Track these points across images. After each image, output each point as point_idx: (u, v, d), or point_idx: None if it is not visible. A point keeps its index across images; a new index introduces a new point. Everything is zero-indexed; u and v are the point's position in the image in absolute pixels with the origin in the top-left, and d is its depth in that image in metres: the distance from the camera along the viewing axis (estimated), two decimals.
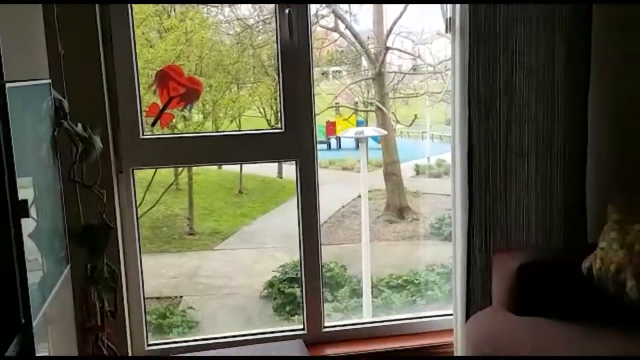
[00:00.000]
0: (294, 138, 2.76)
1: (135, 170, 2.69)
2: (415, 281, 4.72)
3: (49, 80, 2.08)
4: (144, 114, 2.60)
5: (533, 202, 2.74)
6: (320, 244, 2.89)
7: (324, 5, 4.69)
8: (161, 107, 2.62)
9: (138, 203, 4.65)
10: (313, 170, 2.81)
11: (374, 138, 5.63)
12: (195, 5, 4.14)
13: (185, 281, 5.11)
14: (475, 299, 2.75)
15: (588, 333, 2.24)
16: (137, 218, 2.70)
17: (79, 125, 2.17)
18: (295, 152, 2.78)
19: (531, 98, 2.69)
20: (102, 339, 2.33)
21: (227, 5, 4.27)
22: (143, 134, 2.61)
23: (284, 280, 4.60)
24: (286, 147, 2.77)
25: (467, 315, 2.70)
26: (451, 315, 2.85)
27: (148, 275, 4.88)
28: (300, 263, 2.89)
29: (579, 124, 2.73)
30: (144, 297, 2.76)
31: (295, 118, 2.74)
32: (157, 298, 4.73)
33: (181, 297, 4.88)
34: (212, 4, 4.22)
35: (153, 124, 2.67)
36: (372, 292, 4.44)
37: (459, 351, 2.80)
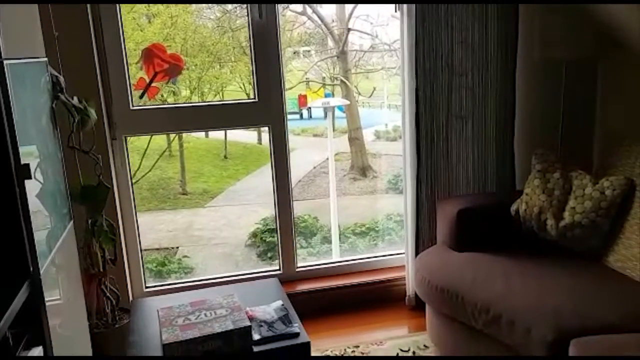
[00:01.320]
0: (266, 106, 2.72)
1: (127, 138, 2.64)
2: (376, 228, 4.76)
3: (46, 58, 2.01)
4: (132, 87, 2.53)
5: (470, 157, 2.76)
6: (292, 199, 2.89)
7: None
8: (148, 81, 2.56)
9: (136, 169, 4.64)
10: (284, 134, 2.78)
11: (339, 107, 5.61)
12: None
13: (180, 234, 5.09)
14: (423, 239, 2.79)
15: (516, 264, 2.27)
16: (131, 179, 2.65)
17: (75, 98, 2.11)
18: (268, 118, 2.74)
19: (468, 69, 2.68)
20: (105, 283, 2.32)
21: None
22: (133, 106, 2.55)
23: (265, 231, 4.60)
24: (260, 114, 2.73)
25: (417, 253, 2.74)
26: (403, 254, 2.89)
27: (147, 229, 4.88)
28: (276, 215, 2.89)
29: (509, 90, 2.74)
30: (140, 247, 2.74)
31: (267, 89, 2.70)
32: (157, 249, 4.72)
33: (177, 247, 4.86)
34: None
35: (141, 97, 2.60)
36: (339, 238, 4.48)
37: (409, 283, 2.85)
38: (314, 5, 4.99)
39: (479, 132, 2.74)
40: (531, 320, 1.90)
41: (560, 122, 2.85)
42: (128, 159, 2.62)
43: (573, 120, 2.87)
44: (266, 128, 2.78)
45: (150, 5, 4.14)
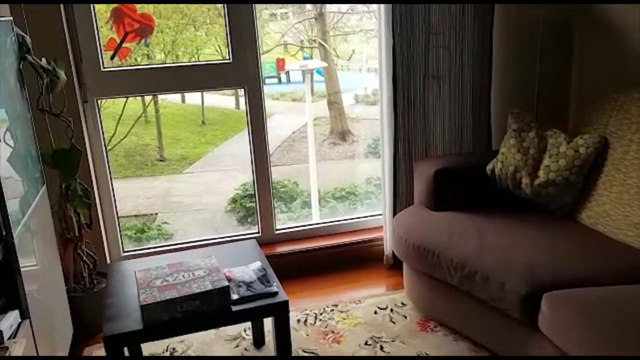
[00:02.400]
0: (241, 67, 2.67)
1: (99, 100, 2.58)
2: (356, 192, 4.78)
3: (11, 18, 1.95)
4: (103, 48, 2.47)
5: (447, 117, 2.77)
6: (269, 156, 2.87)
7: None
8: (118, 42, 2.49)
9: (111, 135, 4.57)
10: (260, 97, 2.75)
11: (318, 71, 5.55)
12: None
13: (159, 201, 5.06)
14: (401, 200, 2.81)
15: (491, 221, 2.31)
16: (105, 142, 2.61)
17: (43, 59, 2.05)
18: (243, 80, 2.70)
19: (445, 28, 2.66)
20: (81, 247, 2.30)
21: None
22: (104, 67, 2.49)
23: (245, 197, 4.60)
24: (234, 75, 2.69)
25: (394, 214, 2.77)
26: (381, 215, 2.92)
27: (125, 196, 4.84)
28: (253, 176, 2.88)
29: (486, 50, 2.74)
30: (116, 211, 2.71)
31: (241, 50, 2.65)
32: (135, 216, 4.69)
33: (156, 214, 4.84)
34: None
35: (112, 57, 2.55)
36: (320, 203, 4.49)
37: (387, 243, 2.89)
38: None
39: (455, 93, 2.74)
40: (505, 276, 1.94)
41: (536, 82, 2.87)
42: (101, 122, 2.58)
43: (549, 81, 2.89)
44: (243, 92, 2.74)
45: None
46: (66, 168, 2.11)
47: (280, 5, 5.59)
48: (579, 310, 1.71)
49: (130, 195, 4.96)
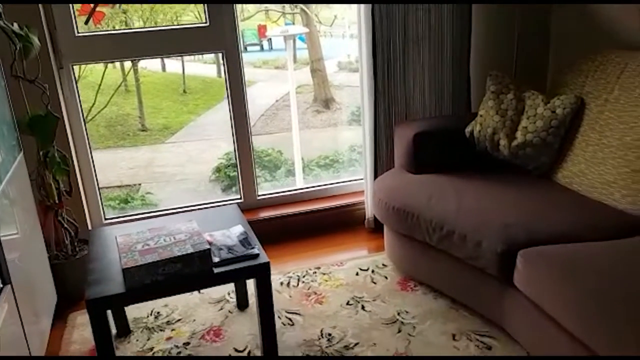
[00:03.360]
0: (218, 31, 2.65)
1: (75, 66, 2.54)
2: (340, 160, 4.79)
3: None
4: (77, 13, 2.42)
5: (427, 81, 2.78)
6: (249, 120, 2.86)
7: None
8: (92, 6, 2.45)
9: (91, 104, 4.52)
10: (239, 62, 2.73)
11: (300, 37, 5.49)
12: None
13: (142, 171, 5.04)
14: (382, 164, 2.84)
15: (469, 183, 2.35)
16: (82, 109, 2.58)
17: (15, 24, 2.02)
18: (221, 44, 2.68)
19: None
20: (62, 214, 2.30)
21: None
22: (78, 32, 2.45)
23: (228, 166, 4.59)
24: (212, 39, 2.66)
25: (375, 178, 2.79)
26: (363, 179, 2.95)
27: (108, 167, 4.82)
28: (235, 145, 2.88)
29: (465, 12, 2.73)
30: (96, 177, 2.70)
31: (218, 13, 2.62)
32: (118, 186, 4.68)
33: (140, 184, 4.82)
34: None
35: (86, 22, 2.51)
36: (304, 171, 4.50)
37: (369, 207, 2.93)
38: None
39: (435, 56, 2.74)
40: (482, 234, 1.99)
41: (515, 44, 2.88)
42: (77, 88, 2.55)
43: (528, 42, 2.90)
44: (221, 58, 2.72)
45: None
46: (43, 135, 2.10)
47: None
48: (553, 266, 1.76)
49: (112, 165, 4.94)
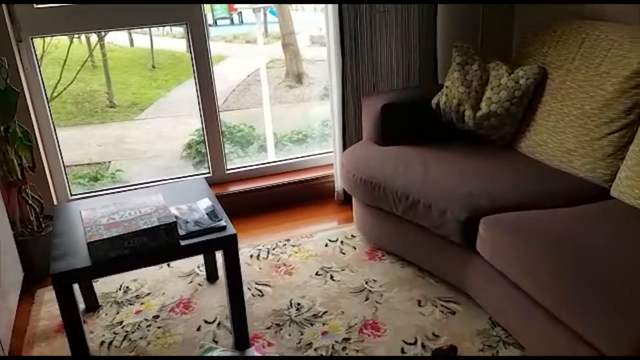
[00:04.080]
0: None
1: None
2: (313, 135, 4.80)
3: None
4: None
5: (394, 52, 2.79)
6: (217, 98, 2.85)
7: None
8: None
9: (56, 81, 4.42)
10: (204, 34, 2.70)
11: (272, 11, 5.44)
12: None
13: (111, 148, 4.98)
14: (350, 136, 2.86)
15: (435, 154, 2.39)
16: (44, 84, 2.53)
17: None
18: (184, 15, 2.64)
19: None
20: (26, 191, 2.28)
21: None
22: (37, 4, 2.39)
23: (200, 142, 4.55)
24: (175, 10, 2.62)
25: (344, 151, 2.81)
26: (332, 152, 2.97)
27: (76, 144, 4.74)
28: (201, 120, 2.87)
29: None
30: (61, 154, 2.67)
31: None
32: (88, 164, 4.62)
33: (109, 162, 4.77)
34: None
35: None
36: (276, 146, 4.50)
37: (338, 179, 2.95)
38: None
39: (402, 28, 2.75)
40: (446, 203, 2.03)
41: (480, 15, 2.90)
42: (38, 63, 2.49)
43: (493, 14, 2.92)
44: (186, 30, 2.69)
45: None
46: (3, 109, 2.06)
47: None
48: (513, 232, 1.82)
49: (81, 143, 4.87)
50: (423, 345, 1.91)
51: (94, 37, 4.93)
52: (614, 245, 1.67)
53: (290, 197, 2.99)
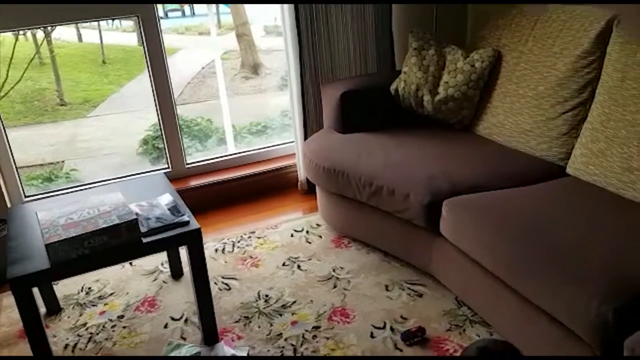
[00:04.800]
0: None
1: None
2: (272, 126, 4.77)
3: None
4: None
5: (351, 40, 2.80)
6: (172, 91, 2.80)
7: None
8: None
9: (2, 80, 4.25)
10: (157, 27, 2.64)
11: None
12: None
13: (65, 147, 4.83)
14: (311, 126, 2.86)
15: (396, 139, 2.41)
16: None
17: None
18: (136, 8, 2.57)
19: None
20: None
21: None
22: None
23: (156, 137, 4.47)
24: (125, 4, 2.55)
25: (305, 140, 2.81)
26: (293, 142, 2.96)
27: (27, 145, 4.58)
28: (158, 115, 2.81)
29: None
30: (12, 154, 2.57)
31: None
32: (40, 165, 4.48)
33: (63, 161, 4.63)
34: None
35: None
36: (235, 139, 4.46)
37: (301, 169, 2.95)
38: None
39: (358, 15, 2.76)
40: (409, 187, 2.06)
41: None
42: None
43: None
44: (138, 23, 2.62)
45: None
46: None
47: None
48: (474, 213, 1.86)
49: (32, 143, 4.71)
50: (392, 329, 1.94)
51: (40, 34, 4.76)
52: (569, 220, 1.73)
53: (253, 189, 2.97)
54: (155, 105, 2.79)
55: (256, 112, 5.24)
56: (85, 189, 2.50)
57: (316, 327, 1.97)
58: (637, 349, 1.28)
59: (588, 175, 2.00)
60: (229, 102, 4.64)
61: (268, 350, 1.88)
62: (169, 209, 1.91)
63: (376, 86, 2.64)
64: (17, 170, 2.60)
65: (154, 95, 2.77)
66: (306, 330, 1.96)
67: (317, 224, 2.66)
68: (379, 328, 1.95)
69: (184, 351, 1.90)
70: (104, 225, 1.70)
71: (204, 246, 2.42)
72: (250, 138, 4.76)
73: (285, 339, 1.93)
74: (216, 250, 2.50)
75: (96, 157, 4.83)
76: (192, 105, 5.46)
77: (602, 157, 1.94)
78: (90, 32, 5.88)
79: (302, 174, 2.96)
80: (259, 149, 3.10)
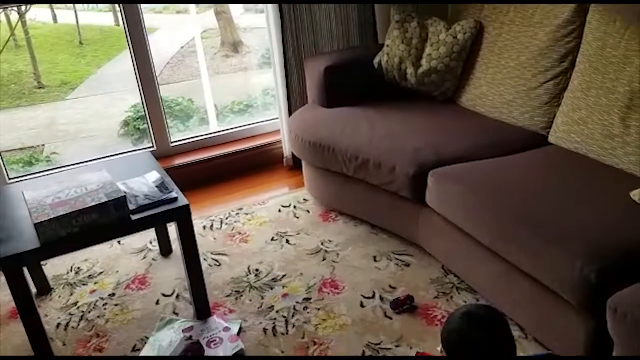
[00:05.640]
0: None
1: None
2: (254, 104, 4.75)
3: None
4: None
5: (333, 14, 2.78)
6: (155, 69, 2.78)
7: None
8: None
9: None
10: (137, 6, 2.61)
11: None
12: None
13: (44, 131, 4.77)
14: (295, 101, 2.85)
15: (380, 113, 2.44)
16: None
17: None
18: None
19: None
20: None
21: None
22: None
23: (137, 119, 4.44)
24: None
25: (290, 116, 2.81)
26: (278, 118, 2.96)
27: (5, 129, 4.51)
28: (141, 95, 2.79)
29: None
30: None
31: None
32: (20, 149, 4.42)
33: (43, 145, 4.58)
34: None
35: None
36: (218, 118, 4.44)
37: (286, 145, 2.96)
38: None
39: None
40: (395, 160, 2.09)
41: None
42: None
43: None
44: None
45: None
46: None
47: None
48: (459, 182, 1.89)
49: (11, 127, 4.64)
50: (381, 298, 1.98)
51: (14, 15, 4.66)
52: (552, 187, 1.78)
53: (239, 167, 2.97)
54: (138, 84, 2.76)
55: (238, 91, 5.21)
56: (70, 170, 2.49)
57: (307, 299, 2.01)
58: (620, 309, 1.33)
59: (570, 143, 2.04)
60: (210, 81, 4.61)
61: (260, 323, 1.91)
62: (156, 187, 1.91)
63: (360, 60, 2.65)
64: None
65: (136, 74, 2.74)
66: (297, 302, 2.00)
67: (304, 199, 2.68)
68: (369, 298, 1.99)
69: (177, 326, 1.92)
70: (93, 204, 1.71)
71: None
72: (232, 117, 4.74)
73: (277, 312, 1.96)
74: (204, 227, 2.52)
75: (77, 140, 4.77)
76: (173, 85, 5.41)
77: (584, 125, 1.98)
78: (65, 13, 5.76)
79: (287, 150, 2.97)
80: (244, 126, 3.10)
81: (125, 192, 1.83)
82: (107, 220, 1.73)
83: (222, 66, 5.55)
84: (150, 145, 2.91)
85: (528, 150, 2.09)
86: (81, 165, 2.74)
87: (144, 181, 1.95)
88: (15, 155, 4.25)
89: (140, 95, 2.79)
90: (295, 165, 2.94)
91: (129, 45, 2.68)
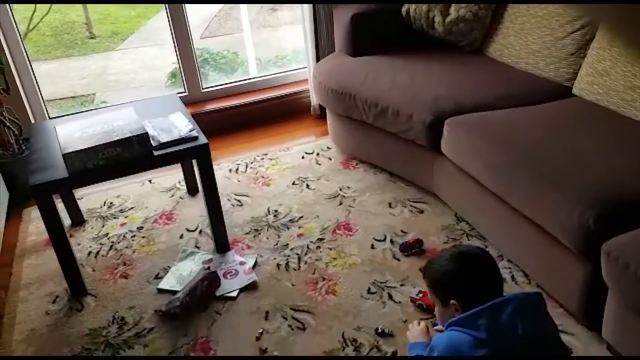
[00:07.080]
0: None
1: None
2: (297, 59, 4.75)
3: None
4: None
5: None
6: (187, 16, 2.85)
7: None
8: None
9: (32, 12, 4.33)
10: None
11: None
12: None
13: (95, 80, 4.94)
14: (323, 50, 2.86)
15: (404, 62, 2.42)
16: (12, 14, 2.52)
17: None
18: None
19: None
20: (3, 113, 2.33)
21: None
22: None
23: None
24: None
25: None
26: (306, 67, 2.99)
27: (59, 77, 4.71)
28: (174, 43, 2.87)
29: None
30: (35, 76, 2.69)
31: None
32: (72, 97, 4.61)
33: (94, 94, 4.75)
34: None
35: None
36: (259, 71, 4.48)
37: (313, 94, 2.99)
38: None
39: None
40: (413, 108, 2.09)
41: None
42: None
43: None
44: None
45: None
46: None
47: None
48: (474, 131, 1.88)
49: (64, 76, 4.83)
50: (392, 241, 2.02)
51: None
52: (566, 137, 1.75)
53: (267, 114, 3.03)
54: (170, 30, 2.84)
55: (281, 45, 5.22)
56: (102, 108, 2.61)
57: (320, 239, 2.07)
58: (613, 253, 1.33)
59: (592, 94, 1.98)
60: (256, 34, 4.61)
61: (274, 258, 1.99)
62: (179, 126, 1.99)
63: (387, 8, 2.61)
64: (40, 91, 2.72)
65: (169, 20, 2.81)
66: (311, 242, 2.06)
67: (327, 147, 2.72)
68: (380, 240, 2.04)
69: (197, 257, 2.03)
70: (117, 138, 1.80)
71: (218, 166, 2.53)
72: (274, 71, 4.77)
73: (291, 249, 2.04)
74: (230, 170, 2.60)
75: (126, 89, 4.93)
76: (220, 37, 5.46)
77: (607, 76, 1.92)
78: None
79: (314, 100, 2.99)
80: (274, 74, 3.14)
81: (148, 130, 1.93)
82: (131, 154, 1.82)
83: (268, 19, 5.54)
84: (182, 89, 3.00)
85: (549, 102, 2.04)
86: (117, 106, 2.86)
87: (168, 120, 2.04)
88: (67, 103, 4.44)
89: (173, 40, 2.86)
90: (322, 114, 2.97)
91: None
